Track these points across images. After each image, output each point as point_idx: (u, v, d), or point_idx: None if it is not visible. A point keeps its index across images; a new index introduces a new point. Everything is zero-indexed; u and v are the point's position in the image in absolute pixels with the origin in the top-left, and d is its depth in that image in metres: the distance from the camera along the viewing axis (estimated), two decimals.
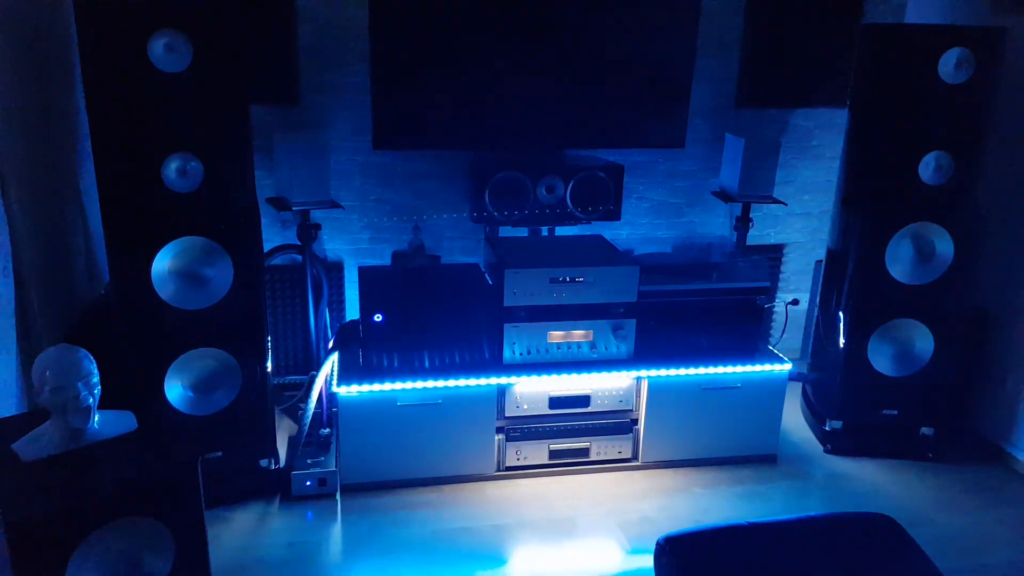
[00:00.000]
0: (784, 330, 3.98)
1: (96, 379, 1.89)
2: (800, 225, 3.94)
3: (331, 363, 2.96)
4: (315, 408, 2.99)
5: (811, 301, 3.91)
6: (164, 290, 2.50)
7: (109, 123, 2.38)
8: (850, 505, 2.91)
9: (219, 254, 2.54)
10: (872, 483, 3.06)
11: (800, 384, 3.61)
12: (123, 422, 1.99)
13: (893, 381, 3.12)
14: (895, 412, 3.16)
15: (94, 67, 2.33)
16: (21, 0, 2.51)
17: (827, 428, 3.24)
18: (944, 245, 2.98)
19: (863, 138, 3.06)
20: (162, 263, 2.48)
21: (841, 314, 3.12)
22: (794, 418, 3.50)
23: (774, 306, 3.99)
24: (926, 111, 2.87)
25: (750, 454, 3.15)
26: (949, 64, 2.79)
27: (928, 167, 2.90)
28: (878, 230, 2.98)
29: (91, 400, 1.86)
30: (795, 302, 3.96)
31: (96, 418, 1.92)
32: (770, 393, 3.09)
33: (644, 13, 3.23)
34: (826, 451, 3.25)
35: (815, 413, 3.38)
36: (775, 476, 3.09)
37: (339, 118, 3.38)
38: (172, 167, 2.42)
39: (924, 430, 3.20)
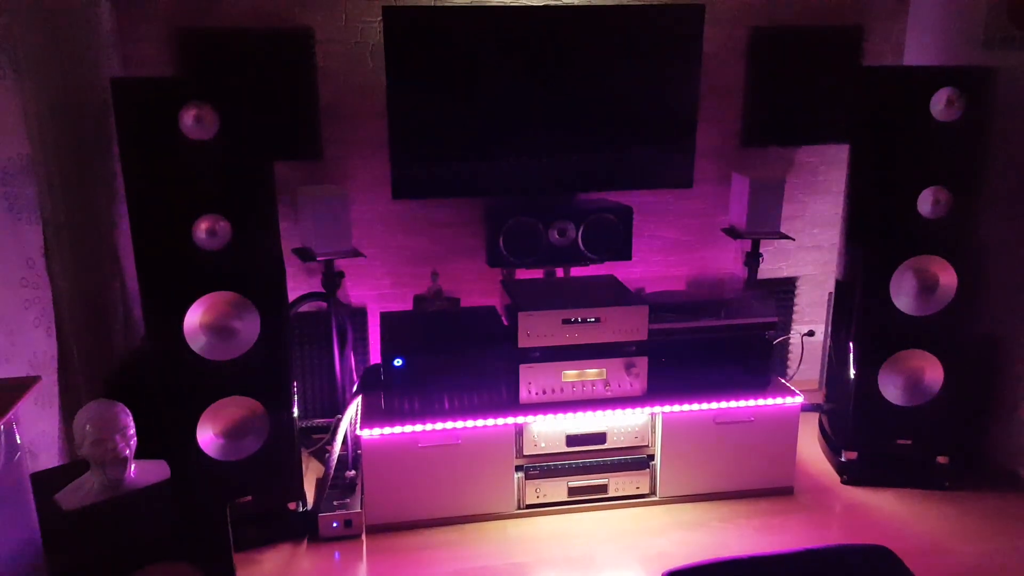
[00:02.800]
0: (801, 361, 4.04)
1: (132, 431, 2.03)
2: (811, 258, 4.01)
3: (355, 406, 3.08)
4: (340, 451, 3.10)
5: (825, 332, 3.96)
6: (196, 343, 2.64)
7: (143, 188, 2.55)
8: (868, 536, 2.94)
9: (247, 307, 2.68)
10: (890, 513, 3.09)
11: (817, 415, 3.65)
12: (157, 471, 2.12)
13: (905, 411, 3.16)
14: (909, 441, 3.19)
15: (129, 138, 2.51)
16: (62, 75, 2.70)
17: (843, 459, 3.28)
18: (947, 277, 3.03)
19: (864, 175, 3.14)
20: (193, 317, 2.63)
21: (851, 345, 3.18)
22: (811, 449, 3.53)
23: (789, 338, 4.04)
24: (922, 148, 2.96)
25: (767, 486, 3.19)
26: (939, 103, 2.88)
27: (926, 202, 2.97)
28: (881, 263, 3.04)
29: (128, 451, 2.00)
30: (811, 333, 4.02)
31: (133, 468, 2.05)
32: (783, 425, 3.15)
33: (648, 61, 3.36)
34: (843, 482, 3.28)
35: (831, 444, 3.42)
36: (792, 508, 3.13)
37: (359, 170, 3.54)
38: (202, 228, 2.58)
39: (940, 459, 3.22)
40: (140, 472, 2.08)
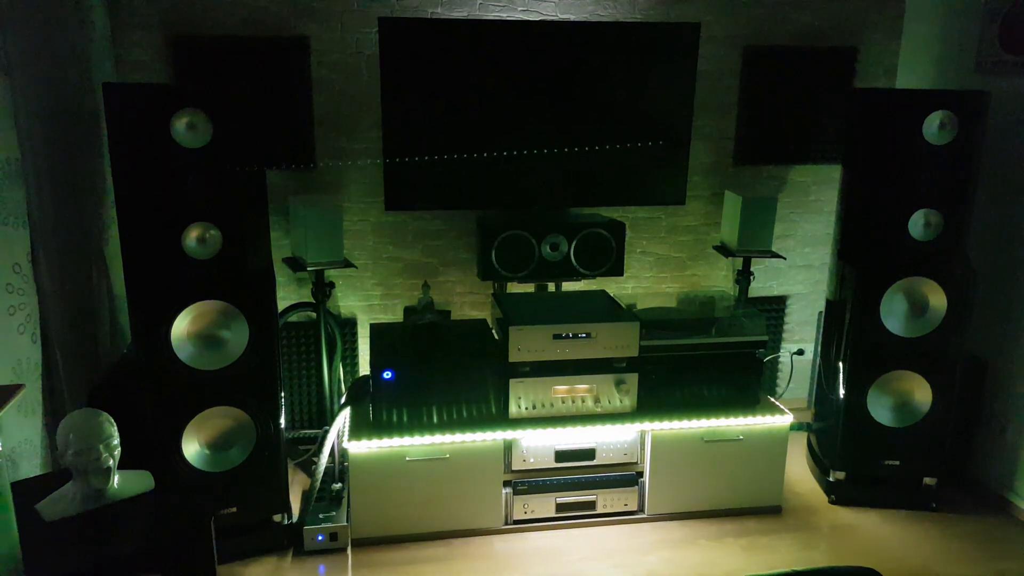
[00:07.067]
0: (790, 380, 4.04)
1: (116, 441, 2.00)
2: (802, 277, 4.02)
3: (343, 418, 3.05)
4: (327, 463, 3.07)
5: (815, 351, 3.97)
6: (183, 352, 2.62)
7: (134, 195, 2.53)
8: (855, 557, 2.94)
9: (236, 316, 2.66)
10: (876, 534, 3.08)
11: (806, 434, 3.64)
12: (141, 482, 2.09)
13: (894, 431, 3.16)
14: (897, 462, 3.20)
15: (120, 143, 2.49)
16: (53, 79, 2.68)
17: (831, 479, 3.27)
18: (937, 299, 3.04)
19: (856, 196, 3.15)
20: (181, 326, 2.61)
21: (841, 365, 3.18)
22: (800, 468, 3.53)
23: (779, 356, 4.05)
24: (914, 171, 2.97)
25: (755, 505, 3.19)
26: (932, 126, 2.90)
27: (917, 224, 2.98)
28: (872, 284, 3.05)
29: (111, 462, 1.97)
30: (800, 352, 4.02)
31: (116, 479, 2.02)
32: (772, 444, 3.14)
33: (643, 78, 3.36)
34: (831, 502, 3.28)
35: (819, 463, 3.41)
36: (780, 528, 3.12)
37: (352, 180, 3.53)
38: (192, 235, 2.56)
39: (927, 480, 3.22)
40: (123, 483, 2.05)
